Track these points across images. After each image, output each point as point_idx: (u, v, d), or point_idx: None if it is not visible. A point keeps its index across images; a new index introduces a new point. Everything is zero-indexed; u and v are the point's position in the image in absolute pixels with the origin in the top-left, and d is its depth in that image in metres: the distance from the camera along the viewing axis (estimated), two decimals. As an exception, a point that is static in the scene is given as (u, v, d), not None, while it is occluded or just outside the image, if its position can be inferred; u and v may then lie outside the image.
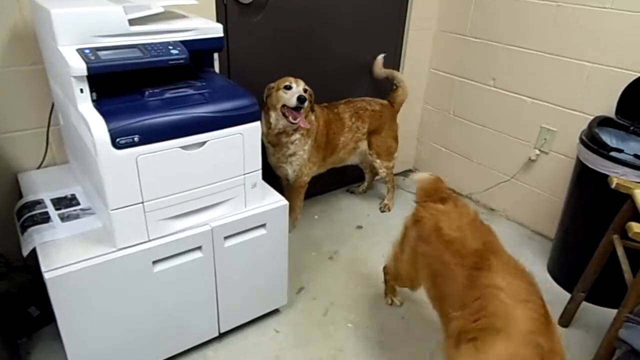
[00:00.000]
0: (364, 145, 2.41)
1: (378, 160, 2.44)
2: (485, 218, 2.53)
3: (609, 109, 1.95)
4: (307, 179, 2.21)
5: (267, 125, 2.00)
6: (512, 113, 2.38)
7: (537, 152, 2.32)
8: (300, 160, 2.11)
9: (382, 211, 2.58)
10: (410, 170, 3.05)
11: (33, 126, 1.68)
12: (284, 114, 1.93)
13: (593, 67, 2.02)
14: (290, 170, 2.13)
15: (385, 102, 2.43)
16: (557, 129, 2.22)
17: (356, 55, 2.43)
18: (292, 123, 1.91)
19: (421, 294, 1.98)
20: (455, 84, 2.62)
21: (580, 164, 1.85)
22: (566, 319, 1.83)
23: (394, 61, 2.59)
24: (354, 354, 1.68)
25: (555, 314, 1.87)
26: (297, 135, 2.03)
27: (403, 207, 2.62)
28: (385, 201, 2.60)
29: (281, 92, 1.92)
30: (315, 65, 2.29)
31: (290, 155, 2.09)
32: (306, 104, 1.89)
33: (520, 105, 2.34)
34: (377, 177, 2.73)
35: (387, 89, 2.58)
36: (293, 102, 1.87)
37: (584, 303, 1.82)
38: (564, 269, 2.06)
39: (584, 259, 1.76)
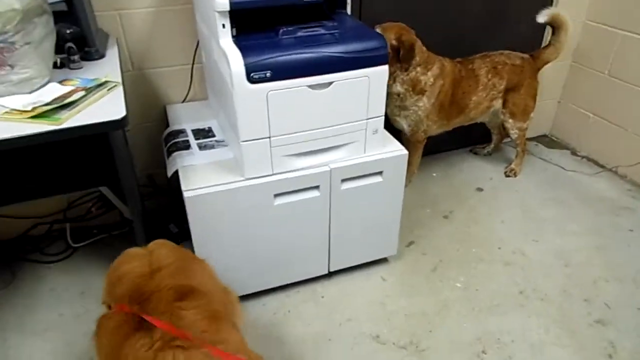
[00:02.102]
0: (498, 103, 2.22)
1: (511, 120, 2.25)
2: (633, 196, 2.24)
3: None
4: (424, 135, 2.12)
5: None
6: (688, 75, 2.00)
7: None
8: (414, 117, 2.03)
9: (507, 176, 2.40)
10: (545, 136, 2.77)
11: (180, 63, 1.85)
12: None
13: None
14: (405, 124, 2.07)
15: (526, 55, 2.19)
16: None
17: (497, 4, 2.21)
18: None
19: (546, 264, 1.84)
20: (617, 39, 2.26)
21: None
22: None
23: (541, 10, 2.31)
24: (459, 313, 1.64)
25: None
26: (399, 88, 1.94)
27: (531, 174, 2.41)
28: (512, 165, 2.41)
29: None
30: (451, 12, 2.14)
31: (401, 109, 2.02)
32: None
33: (700, 66, 1.94)
34: (505, 140, 2.53)
35: (531, 41, 2.33)
36: None
37: None
38: None
39: None
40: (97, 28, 1.54)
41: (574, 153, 2.60)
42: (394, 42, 1.84)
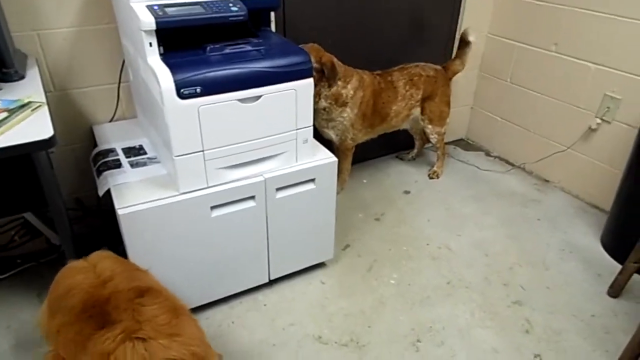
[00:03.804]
0: (417, 111, 2.40)
1: (430, 126, 2.44)
2: (538, 189, 2.49)
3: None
4: (352, 142, 2.25)
5: None
6: (574, 80, 2.29)
7: (599, 121, 2.22)
8: (341, 127, 2.15)
9: (431, 178, 2.58)
10: (461, 140, 3.01)
11: (106, 82, 1.83)
12: None
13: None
14: (333, 134, 2.19)
15: (439, 67, 2.40)
16: (622, 96, 2.11)
17: (412, 17, 2.41)
18: None
19: (469, 256, 2.01)
20: (514, 50, 2.54)
21: (644, 132, 1.77)
22: (616, 290, 1.80)
23: (450, 26, 2.55)
24: (394, 308, 1.75)
25: (604, 285, 1.84)
26: (324, 103, 2.06)
27: (452, 175, 2.61)
28: (435, 168, 2.60)
29: None
30: (369, 27, 2.30)
31: (328, 121, 2.14)
32: None
33: (583, 72, 2.24)
34: (427, 145, 2.73)
35: (442, 54, 2.55)
36: None
37: (635, 275, 1.77)
38: (619, 241, 2.00)
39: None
40: (14, 49, 1.50)
41: (487, 154, 2.86)
42: (316, 65, 1.94)
